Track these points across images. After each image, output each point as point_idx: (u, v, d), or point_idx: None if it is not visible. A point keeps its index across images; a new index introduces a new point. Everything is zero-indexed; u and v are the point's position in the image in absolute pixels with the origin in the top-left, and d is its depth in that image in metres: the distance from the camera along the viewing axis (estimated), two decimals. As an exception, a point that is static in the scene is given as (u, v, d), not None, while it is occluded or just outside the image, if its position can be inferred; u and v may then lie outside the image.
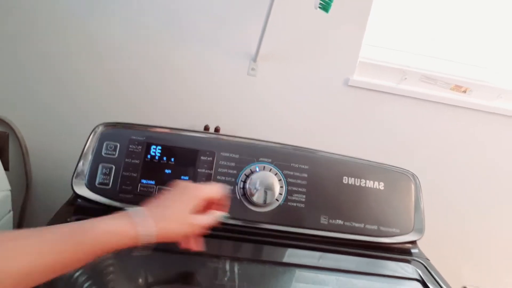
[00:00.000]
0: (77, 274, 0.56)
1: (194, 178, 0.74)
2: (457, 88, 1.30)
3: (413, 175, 0.84)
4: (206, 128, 1.17)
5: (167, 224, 0.49)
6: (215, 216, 0.56)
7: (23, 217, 1.22)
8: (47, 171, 1.22)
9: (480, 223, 1.41)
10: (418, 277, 0.72)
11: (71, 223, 0.44)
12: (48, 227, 0.43)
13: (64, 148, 1.20)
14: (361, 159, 0.82)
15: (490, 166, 1.35)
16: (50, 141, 1.20)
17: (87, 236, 0.43)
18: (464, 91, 1.31)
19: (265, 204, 0.74)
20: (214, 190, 0.57)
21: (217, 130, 1.17)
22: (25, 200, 1.21)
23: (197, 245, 0.57)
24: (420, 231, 0.80)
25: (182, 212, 0.51)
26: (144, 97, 1.20)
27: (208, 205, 0.56)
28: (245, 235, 0.73)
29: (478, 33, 1.30)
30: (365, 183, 0.80)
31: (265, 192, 0.74)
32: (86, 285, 0.56)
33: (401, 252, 0.79)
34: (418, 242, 0.82)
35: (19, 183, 1.20)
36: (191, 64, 1.19)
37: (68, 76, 1.17)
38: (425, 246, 0.83)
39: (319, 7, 0.97)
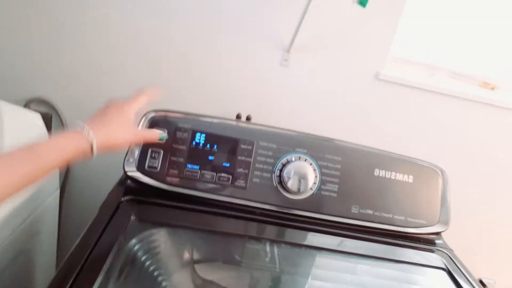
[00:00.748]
0: (136, 247, 0.62)
1: (234, 165, 0.79)
2: (485, 85, 1.32)
3: (441, 170, 0.87)
4: (238, 116, 1.21)
5: (111, 130, 0.54)
6: (156, 132, 0.67)
7: (62, 196, 1.29)
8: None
9: (498, 217, 1.44)
10: (443, 266, 0.76)
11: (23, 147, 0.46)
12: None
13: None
14: (391, 152, 0.86)
15: (514, 163, 1.36)
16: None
17: (44, 151, 0.46)
18: (492, 88, 1.32)
19: (299, 192, 0.79)
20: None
21: (248, 118, 1.22)
22: (65, 180, 1.28)
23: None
24: (446, 223, 0.84)
25: (125, 121, 0.58)
26: (178, 84, 1.25)
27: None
28: (281, 220, 0.78)
29: (506, 30, 1.30)
30: (395, 176, 0.84)
31: (299, 181, 0.79)
32: (143, 258, 0.62)
33: (427, 242, 0.83)
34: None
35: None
36: (225, 53, 1.22)
37: (111, 61, 1.22)
38: (446, 238, 0.87)
39: (357, 2, 0.99)
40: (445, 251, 0.82)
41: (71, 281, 0.50)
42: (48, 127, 1.23)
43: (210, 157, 0.78)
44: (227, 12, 1.19)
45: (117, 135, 0.56)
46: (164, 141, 0.70)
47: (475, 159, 1.35)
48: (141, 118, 0.78)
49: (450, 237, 0.91)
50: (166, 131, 0.73)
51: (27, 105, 1.22)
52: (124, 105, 0.60)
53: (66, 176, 1.29)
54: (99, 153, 0.52)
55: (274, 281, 0.72)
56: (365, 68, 1.24)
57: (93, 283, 0.51)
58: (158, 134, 0.67)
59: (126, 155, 0.76)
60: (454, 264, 0.78)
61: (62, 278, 0.51)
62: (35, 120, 0.97)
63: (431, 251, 0.81)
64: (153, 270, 0.63)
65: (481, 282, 0.74)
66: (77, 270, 0.52)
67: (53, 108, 1.23)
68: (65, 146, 0.48)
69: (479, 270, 1.52)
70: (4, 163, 0.43)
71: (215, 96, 1.26)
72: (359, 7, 1.00)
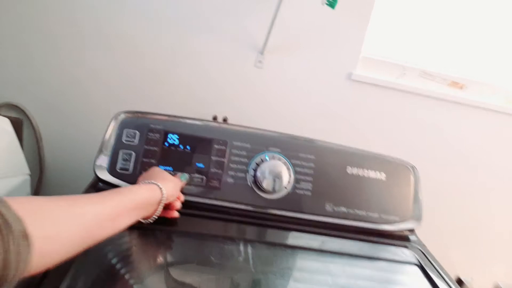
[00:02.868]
0: (106, 250, 0.61)
1: (208, 165, 0.78)
2: (454, 84, 1.36)
3: (412, 166, 0.89)
4: (215, 118, 1.21)
5: (169, 183, 0.65)
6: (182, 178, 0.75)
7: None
8: (60, 157, 1.26)
9: (473, 213, 1.47)
10: (416, 262, 0.77)
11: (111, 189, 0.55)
12: (93, 194, 0.51)
13: (76, 134, 1.23)
14: (364, 150, 0.87)
15: (484, 160, 1.41)
16: (63, 127, 1.24)
17: (127, 193, 0.55)
18: (461, 87, 1.36)
19: (274, 191, 0.79)
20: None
21: (225, 120, 1.22)
22: (38, 185, 1.25)
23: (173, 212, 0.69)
24: (418, 219, 0.86)
25: (170, 175, 0.69)
26: (153, 86, 1.24)
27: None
28: (255, 220, 0.78)
29: (475, 31, 1.35)
30: (368, 173, 0.85)
31: (274, 180, 0.79)
32: (114, 260, 0.61)
33: (400, 239, 0.84)
34: (416, 232, 0.88)
35: (32, 168, 1.24)
36: (200, 56, 1.23)
37: (81, 65, 1.21)
38: (421, 237, 0.89)
39: (326, 3, 1.01)
40: (418, 247, 0.83)
41: (35, 284, 0.49)
42: (19, 132, 1.20)
43: (183, 158, 0.78)
44: (201, 16, 1.19)
45: (173, 189, 0.66)
46: (187, 181, 0.76)
47: (446, 156, 1.39)
48: (111, 120, 0.77)
49: (427, 236, 0.93)
50: (187, 175, 0.77)
51: (-4, 110, 1.18)
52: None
53: (40, 179, 1.26)
54: (166, 200, 0.63)
55: (250, 282, 0.72)
56: (337, 68, 1.26)
57: (59, 285, 0.50)
58: (181, 178, 0.74)
59: (96, 157, 0.75)
60: (427, 259, 0.79)
61: (28, 280, 0.50)
62: (3, 125, 0.95)
63: (405, 247, 0.83)
64: (125, 274, 0.62)
65: (459, 279, 0.76)
66: (44, 272, 0.51)
67: (23, 113, 1.20)
68: (142, 191, 0.58)
69: (457, 268, 1.56)
70: (89, 196, 0.50)
71: (191, 99, 1.26)
72: (329, 9, 1.02)
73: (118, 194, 0.54)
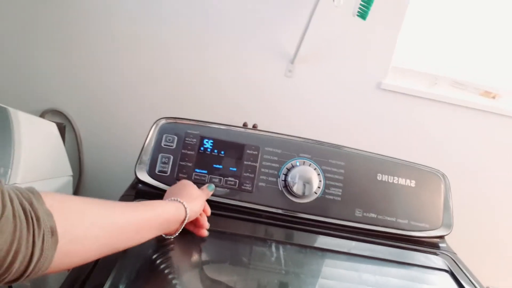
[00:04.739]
0: (147, 247, 0.65)
1: (241, 170, 0.81)
2: (486, 94, 1.34)
3: (443, 174, 0.89)
4: (245, 125, 1.25)
5: (194, 202, 0.66)
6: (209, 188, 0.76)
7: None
8: (99, 160, 1.33)
9: (504, 225, 1.44)
10: (446, 268, 0.77)
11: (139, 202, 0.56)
12: (123, 203, 0.53)
13: (114, 139, 1.30)
14: (394, 157, 0.88)
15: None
16: (102, 132, 1.31)
17: (154, 207, 0.57)
18: (493, 97, 1.34)
19: (304, 195, 0.81)
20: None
21: (254, 127, 1.25)
22: (78, 186, 1.32)
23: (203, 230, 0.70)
24: (449, 226, 0.86)
25: (197, 191, 0.70)
26: (188, 94, 1.30)
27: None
28: (286, 223, 0.81)
29: (507, 40, 1.33)
30: (398, 180, 0.86)
31: (304, 185, 0.81)
32: (155, 257, 0.65)
33: (430, 246, 0.85)
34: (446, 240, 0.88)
35: (72, 170, 1.31)
36: (233, 65, 1.27)
37: (119, 74, 1.27)
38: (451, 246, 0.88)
39: (357, 15, 1.03)
40: (449, 254, 0.83)
41: (82, 279, 0.53)
42: (62, 137, 1.27)
43: (218, 162, 0.81)
44: (234, 26, 1.24)
45: (198, 205, 0.67)
46: (213, 191, 0.77)
47: (478, 165, 1.36)
48: (152, 125, 0.81)
49: (457, 245, 0.93)
50: (213, 185, 0.79)
51: (42, 116, 1.27)
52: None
53: (79, 181, 1.33)
54: (189, 219, 0.63)
55: (280, 282, 0.74)
56: (367, 78, 1.27)
57: (105, 280, 0.54)
58: (208, 188, 0.76)
59: (138, 160, 0.80)
60: (457, 267, 0.79)
61: (75, 277, 0.54)
62: (50, 129, 1.02)
63: (435, 254, 0.83)
64: (164, 269, 0.65)
65: (488, 289, 0.75)
66: (90, 268, 0.55)
67: (66, 118, 1.28)
68: (168, 208, 0.59)
69: (487, 279, 1.52)
70: (121, 204, 0.51)
71: (222, 106, 1.30)
72: (360, 20, 1.04)
73: (146, 208, 0.55)
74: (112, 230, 0.46)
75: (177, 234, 0.65)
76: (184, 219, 0.62)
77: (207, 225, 0.70)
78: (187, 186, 0.70)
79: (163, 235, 0.65)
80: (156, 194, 0.78)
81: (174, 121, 0.82)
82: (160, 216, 0.57)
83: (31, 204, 0.35)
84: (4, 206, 0.32)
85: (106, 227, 0.45)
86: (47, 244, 0.35)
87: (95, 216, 0.44)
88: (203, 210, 0.71)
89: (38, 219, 0.35)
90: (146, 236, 0.54)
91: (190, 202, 0.63)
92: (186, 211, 0.61)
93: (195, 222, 0.69)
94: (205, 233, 0.70)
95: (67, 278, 0.55)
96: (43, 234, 0.35)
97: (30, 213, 0.34)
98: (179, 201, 0.62)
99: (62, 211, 0.38)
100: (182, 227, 0.64)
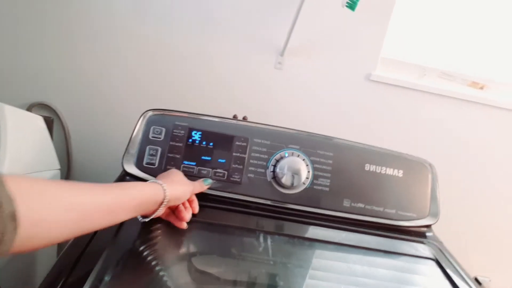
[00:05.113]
0: (134, 239, 0.65)
1: (229, 161, 0.81)
2: (474, 84, 1.35)
3: (430, 164, 0.90)
4: (235, 117, 1.24)
5: (177, 186, 0.65)
6: (203, 185, 0.76)
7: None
8: (87, 154, 1.32)
9: (491, 216, 1.46)
10: (433, 257, 0.78)
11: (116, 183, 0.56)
12: (97, 184, 0.51)
13: (103, 133, 1.29)
14: (382, 148, 0.89)
15: (504, 161, 1.39)
16: (90, 126, 1.30)
17: (129, 188, 0.55)
18: (481, 88, 1.35)
19: (292, 186, 0.82)
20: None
21: (244, 119, 1.25)
22: (67, 177, 1.31)
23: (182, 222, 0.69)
24: (435, 215, 0.87)
25: (184, 179, 0.70)
26: (177, 86, 1.29)
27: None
28: (274, 214, 0.81)
29: (494, 31, 1.34)
30: (385, 170, 0.86)
31: (293, 176, 0.81)
32: (142, 248, 0.65)
33: (417, 235, 0.86)
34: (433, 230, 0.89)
35: (60, 164, 1.30)
36: (221, 57, 1.26)
37: (108, 68, 1.26)
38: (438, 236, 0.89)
39: (346, 6, 1.03)
40: (435, 243, 0.84)
41: (69, 270, 0.53)
42: (50, 130, 1.26)
43: (206, 154, 0.81)
44: (224, 19, 1.23)
45: (181, 190, 0.66)
46: (209, 186, 0.78)
47: (465, 156, 1.38)
48: (140, 117, 0.81)
49: (444, 237, 0.94)
50: (210, 180, 0.79)
51: (29, 109, 1.25)
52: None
53: (68, 174, 1.32)
54: (168, 202, 0.62)
55: (269, 273, 0.74)
56: (356, 69, 1.27)
57: (90, 271, 0.54)
58: (203, 182, 0.76)
59: (125, 152, 0.79)
60: (443, 255, 0.80)
61: (61, 267, 0.54)
62: (37, 122, 1.01)
63: (422, 243, 0.84)
64: (151, 261, 0.65)
65: (476, 280, 0.77)
66: (75, 259, 0.55)
67: (54, 112, 1.27)
68: (144, 189, 0.58)
69: (475, 269, 1.54)
70: (91, 185, 0.49)
71: (212, 99, 1.30)
72: (349, 11, 1.04)
73: (120, 188, 0.54)
74: (80, 212, 0.45)
75: (152, 217, 0.63)
76: (163, 201, 0.60)
77: (187, 218, 0.69)
78: (173, 172, 0.70)
79: (138, 218, 0.64)
80: (144, 186, 0.78)
81: (162, 112, 0.81)
82: (134, 198, 0.55)
83: None
84: None
85: (74, 209, 0.44)
86: (7, 229, 0.35)
87: (62, 199, 0.43)
88: (190, 206, 0.71)
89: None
90: (120, 217, 0.53)
91: (170, 185, 0.62)
92: (165, 193, 0.60)
93: (176, 214, 0.68)
94: (184, 225, 0.69)
95: (53, 267, 0.55)
96: (4, 218, 0.34)
97: None
98: (158, 183, 0.61)
99: (26, 195, 0.38)
100: (159, 210, 0.62)
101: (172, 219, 0.69)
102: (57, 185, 0.44)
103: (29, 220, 0.37)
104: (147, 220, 0.64)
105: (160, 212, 0.62)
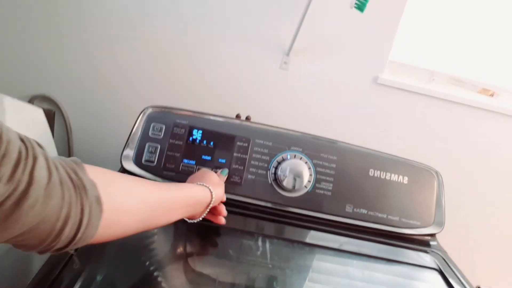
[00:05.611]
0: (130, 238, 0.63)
1: (230, 161, 0.80)
2: (485, 91, 1.32)
3: (436, 172, 0.87)
4: (238, 116, 1.22)
5: (218, 189, 0.66)
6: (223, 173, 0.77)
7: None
8: (88, 147, 1.31)
9: (497, 225, 1.43)
10: (436, 267, 0.76)
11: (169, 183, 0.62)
12: (155, 181, 0.55)
13: (104, 127, 1.28)
14: (387, 153, 0.86)
15: (512, 170, 1.36)
16: (92, 120, 1.29)
17: (184, 189, 0.58)
18: (491, 95, 1.32)
19: (294, 189, 0.80)
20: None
21: (248, 119, 1.23)
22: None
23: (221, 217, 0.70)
24: (440, 224, 0.84)
25: (218, 179, 0.70)
26: (179, 84, 1.27)
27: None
28: (274, 217, 0.79)
29: (506, 38, 1.31)
30: (390, 177, 0.84)
31: (294, 179, 0.79)
32: (136, 249, 0.63)
33: (421, 244, 0.83)
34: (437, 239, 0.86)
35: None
36: (227, 56, 1.24)
37: (111, 62, 1.25)
38: (442, 245, 0.87)
39: (355, 7, 1.01)
40: (439, 253, 0.82)
41: (62, 265, 0.52)
42: (51, 123, 1.25)
43: (206, 153, 0.79)
44: (230, 18, 1.21)
45: (221, 191, 0.68)
46: (227, 175, 0.78)
47: (472, 164, 1.35)
48: (140, 114, 0.79)
49: (447, 245, 0.92)
50: (227, 169, 0.79)
51: (31, 101, 1.24)
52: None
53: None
54: (213, 203, 0.64)
55: (266, 277, 0.73)
56: (363, 72, 1.25)
57: (83, 270, 0.52)
58: (221, 173, 0.77)
59: (124, 148, 0.78)
60: (447, 265, 0.78)
61: (55, 262, 0.53)
62: (37, 115, 0.99)
63: (425, 252, 0.81)
64: (146, 261, 0.64)
65: (478, 288, 0.75)
66: (69, 256, 0.54)
67: (56, 105, 1.25)
68: (197, 191, 0.60)
69: (477, 278, 1.52)
70: (153, 182, 0.51)
71: (216, 97, 1.28)
72: (357, 12, 1.02)
73: (177, 188, 0.56)
74: (148, 205, 0.47)
75: (200, 219, 0.64)
76: (210, 203, 0.62)
77: (225, 212, 0.70)
78: (208, 173, 0.71)
79: (186, 219, 0.64)
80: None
81: (162, 109, 0.80)
82: (189, 197, 0.58)
83: (75, 173, 0.35)
84: (50, 173, 0.32)
85: (144, 201, 0.46)
86: (94, 211, 0.35)
87: (133, 190, 0.45)
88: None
89: (84, 187, 0.35)
90: (176, 215, 0.55)
91: (214, 188, 0.64)
92: (212, 195, 0.62)
93: (212, 211, 0.68)
94: (223, 220, 0.70)
95: (43, 266, 0.53)
96: (90, 202, 0.35)
97: (76, 182, 0.34)
98: (205, 186, 0.63)
99: (104, 183, 0.38)
100: (206, 212, 0.64)
101: (209, 217, 0.69)
102: (127, 177, 0.46)
103: (109, 206, 0.38)
104: (195, 221, 0.65)
105: (205, 214, 0.64)
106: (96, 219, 0.36)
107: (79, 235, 0.34)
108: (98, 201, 0.36)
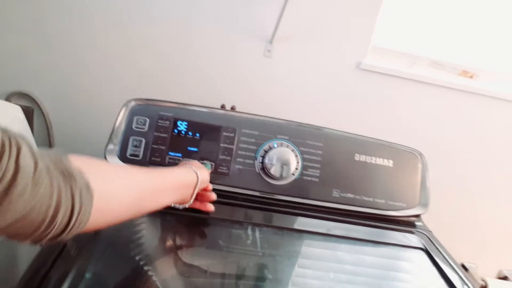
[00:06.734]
0: (118, 233, 0.63)
1: (217, 152, 0.79)
2: (464, 73, 1.34)
3: (420, 154, 0.89)
4: (223, 106, 1.21)
5: (202, 170, 0.66)
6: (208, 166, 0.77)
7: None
8: (70, 144, 1.28)
9: (479, 204, 1.47)
10: (422, 246, 0.78)
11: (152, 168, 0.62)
12: (140, 167, 0.53)
13: (85, 122, 1.25)
14: (372, 137, 0.87)
15: (493, 150, 1.40)
16: (72, 115, 1.26)
17: (168, 172, 0.58)
18: (471, 77, 1.35)
19: (281, 177, 0.80)
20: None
21: (233, 108, 1.22)
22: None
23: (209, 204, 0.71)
24: (425, 205, 0.86)
25: (200, 164, 0.70)
26: (161, 75, 1.25)
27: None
28: (263, 205, 0.79)
29: (484, 20, 1.33)
30: (375, 160, 0.85)
31: (282, 167, 0.80)
32: (125, 243, 0.63)
33: (406, 224, 0.85)
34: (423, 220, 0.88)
35: (43, 155, 1.26)
36: (210, 45, 1.23)
37: (90, 55, 1.22)
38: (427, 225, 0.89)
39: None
40: (424, 233, 0.84)
41: (51, 261, 0.51)
42: (30, 120, 1.22)
43: (192, 145, 0.79)
44: (211, 4, 1.19)
45: (205, 173, 0.68)
46: (210, 170, 0.76)
47: (454, 145, 1.38)
48: (122, 107, 0.78)
49: (432, 225, 0.94)
50: (210, 164, 0.78)
51: (8, 98, 1.20)
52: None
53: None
54: (200, 184, 0.63)
55: (258, 264, 0.73)
56: (346, 58, 1.26)
57: (72, 267, 0.52)
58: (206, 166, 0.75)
59: (107, 143, 0.76)
60: (432, 244, 0.80)
61: (45, 257, 0.52)
62: (16, 112, 0.97)
63: (411, 232, 0.83)
64: (135, 256, 0.63)
65: (463, 266, 0.77)
66: (58, 251, 0.53)
67: (34, 101, 1.22)
68: (181, 172, 0.61)
69: (462, 256, 1.56)
70: (139, 167, 0.51)
71: (199, 87, 1.27)
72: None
73: (161, 171, 0.56)
74: (139, 189, 0.47)
75: (189, 203, 0.65)
76: (196, 185, 0.62)
77: (214, 197, 0.71)
78: (191, 160, 0.72)
79: (177, 206, 0.65)
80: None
81: (145, 102, 0.78)
82: (175, 178, 0.58)
83: (61, 162, 0.35)
84: (36, 161, 0.32)
85: (133, 188, 0.46)
86: (85, 197, 0.36)
87: (123, 175, 0.45)
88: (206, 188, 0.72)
89: (71, 175, 0.35)
90: (164, 198, 0.55)
91: (198, 169, 0.64)
92: (197, 175, 0.62)
93: (200, 198, 0.69)
94: (211, 207, 0.70)
95: (33, 262, 0.53)
96: (80, 188, 0.35)
97: (63, 170, 0.35)
98: (189, 167, 0.63)
99: (91, 169, 0.39)
100: (194, 195, 0.63)
101: (197, 206, 0.69)
102: (113, 165, 0.48)
103: (99, 192, 0.38)
104: (187, 206, 0.65)
105: (194, 196, 0.64)
106: (87, 205, 0.36)
107: (72, 221, 0.34)
108: (88, 187, 0.36)
